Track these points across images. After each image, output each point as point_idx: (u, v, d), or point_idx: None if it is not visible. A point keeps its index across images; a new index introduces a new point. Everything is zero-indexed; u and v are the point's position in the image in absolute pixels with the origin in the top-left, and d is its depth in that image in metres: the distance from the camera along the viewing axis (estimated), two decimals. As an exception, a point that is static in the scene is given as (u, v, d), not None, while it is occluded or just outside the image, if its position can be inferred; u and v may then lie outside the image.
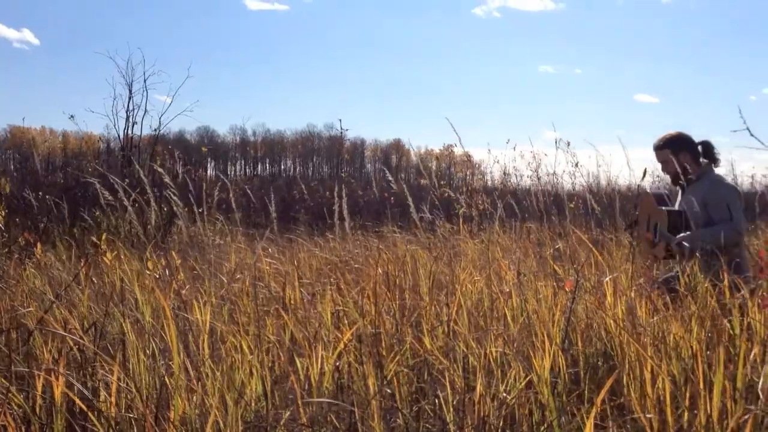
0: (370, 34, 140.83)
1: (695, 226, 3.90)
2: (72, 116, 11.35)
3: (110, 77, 17.89)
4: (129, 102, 13.33)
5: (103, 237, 4.88)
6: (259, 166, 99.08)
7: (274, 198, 5.25)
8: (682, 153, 4.14)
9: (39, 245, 5.27)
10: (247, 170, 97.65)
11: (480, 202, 10.01)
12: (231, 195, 5.06)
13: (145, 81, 13.32)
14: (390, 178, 4.37)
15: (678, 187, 4.29)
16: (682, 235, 3.88)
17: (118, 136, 13.34)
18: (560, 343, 2.61)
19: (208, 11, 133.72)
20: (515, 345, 2.74)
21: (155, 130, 13.12)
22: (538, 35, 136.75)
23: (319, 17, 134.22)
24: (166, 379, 2.32)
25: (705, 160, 4.20)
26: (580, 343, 2.82)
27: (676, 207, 4.17)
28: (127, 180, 8.66)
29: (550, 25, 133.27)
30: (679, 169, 4.11)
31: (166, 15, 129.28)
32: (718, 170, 4.18)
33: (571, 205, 8.54)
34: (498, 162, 12.76)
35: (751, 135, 2.12)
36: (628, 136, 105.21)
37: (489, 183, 16.20)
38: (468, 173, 21.88)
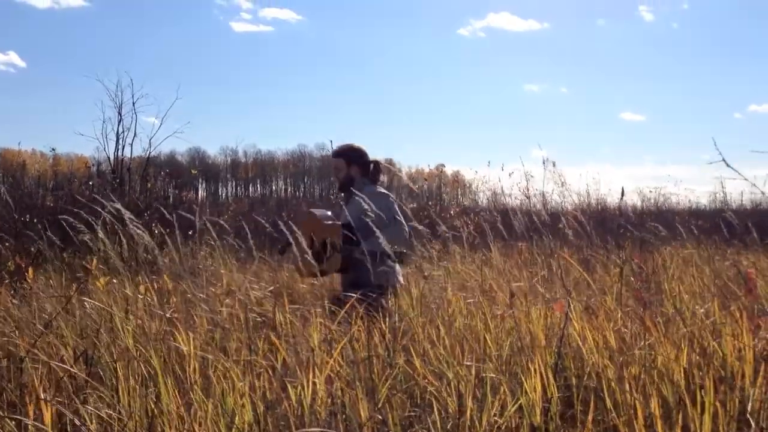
0: (357, 55, 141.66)
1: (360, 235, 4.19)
2: (53, 149, 11.36)
3: (99, 99, 17.89)
4: (119, 125, 13.36)
5: (95, 262, 4.86)
6: (251, 187, 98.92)
7: (268, 221, 5.26)
8: (354, 165, 4.49)
9: (30, 270, 5.25)
10: (239, 191, 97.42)
11: (469, 222, 10.03)
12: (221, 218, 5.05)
13: (134, 103, 13.36)
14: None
15: (342, 198, 4.65)
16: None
17: (108, 158, 13.35)
18: (552, 366, 2.62)
19: (195, 35, 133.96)
20: (507, 368, 2.74)
21: (146, 152, 13.13)
22: (523, 55, 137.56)
23: (305, 38, 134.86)
24: (156, 408, 2.32)
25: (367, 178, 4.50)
26: (572, 365, 2.82)
27: (342, 219, 4.43)
28: (117, 203, 8.63)
29: (535, 44, 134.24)
30: (353, 177, 4.45)
31: (153, 38, 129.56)
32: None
33: (560, 226, 8.54)
34: (486, 182, 12.84)
35: (728, 166, 2.15)
36: (616, 154, 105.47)
37: (480, 202, 16.23)
38: (459, 193, 21.94)
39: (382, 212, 4.10)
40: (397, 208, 4.31)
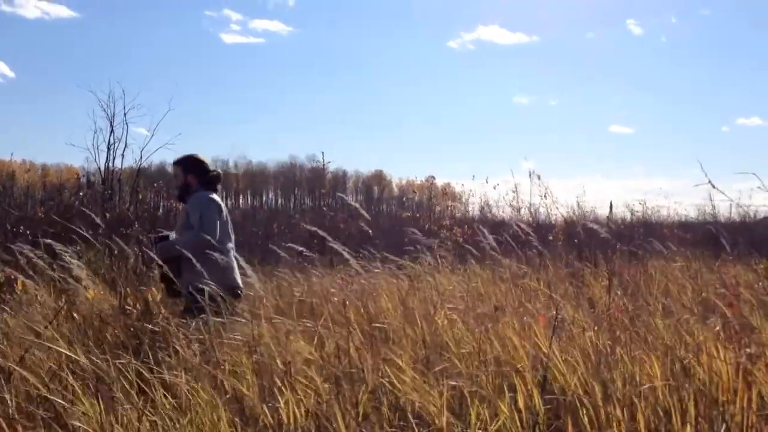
0: (347, 66, 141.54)
1: (180, 235, 4.51)
2: (28, 170, 11.37)
3: (90, 110, 17.90)
4: (110, 135, 13.34)
5: (85, 273, 4.85)
6: (241, 199, 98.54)
7: (259, 233, 5.28)
8: (191, 174, 4.66)
9: (19, 282, 5.23)
10: (229, 202, 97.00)
11: (459, 234, 10.06)
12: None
13: (125, 115, 13.35)
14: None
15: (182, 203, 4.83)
16: (164, 243, 4.46)
17: (99, 169, 13.32)
18: (539, 380, 2.64)
19: (185, 46, 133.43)
20: (495, 381, 2.76)
21: (136, 163, 13.12)
22: (512, 67, 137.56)
23: (295, 50, 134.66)
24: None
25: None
26: (558, 379, 2.84)
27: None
28: (108, 214, 8.62)
29: (524, 57, 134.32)
30: (189, 185, 4.63)
31: (143, 50, 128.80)
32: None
33: (551, 237, 8.58)
34: (474, 195, 12.92)
35: (714, 187, 2.20)
36: (606, 167, 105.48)
37: (470, 214, 16.28)
38: (450, 205, 21.95)
39: (194, 214, 4.39)
40: (209, 215, 4.40)
